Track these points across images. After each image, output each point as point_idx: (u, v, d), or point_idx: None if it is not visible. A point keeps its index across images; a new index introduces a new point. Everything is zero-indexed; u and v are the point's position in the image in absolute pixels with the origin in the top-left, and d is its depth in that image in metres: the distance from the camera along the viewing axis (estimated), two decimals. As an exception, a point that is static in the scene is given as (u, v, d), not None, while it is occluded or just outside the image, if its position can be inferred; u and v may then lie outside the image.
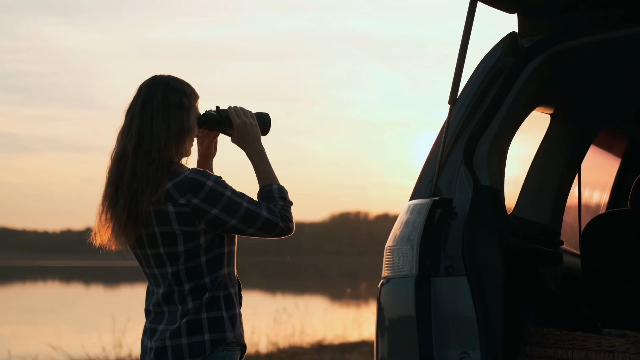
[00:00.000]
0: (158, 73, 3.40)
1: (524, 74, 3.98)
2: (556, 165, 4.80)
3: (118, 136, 3.37)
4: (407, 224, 3.73)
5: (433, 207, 3.71)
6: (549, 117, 4.79)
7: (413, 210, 3.75)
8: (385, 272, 3.79)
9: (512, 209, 4.75)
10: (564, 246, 4.91)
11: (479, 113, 3.92)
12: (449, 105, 3.88)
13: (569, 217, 5.04)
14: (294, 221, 3.38)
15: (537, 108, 4.52)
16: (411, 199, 3.87)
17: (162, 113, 3.32)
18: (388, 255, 3.78)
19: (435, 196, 3.78)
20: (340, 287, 35.31)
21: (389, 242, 3.79)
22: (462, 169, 3.79)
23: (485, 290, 3.58)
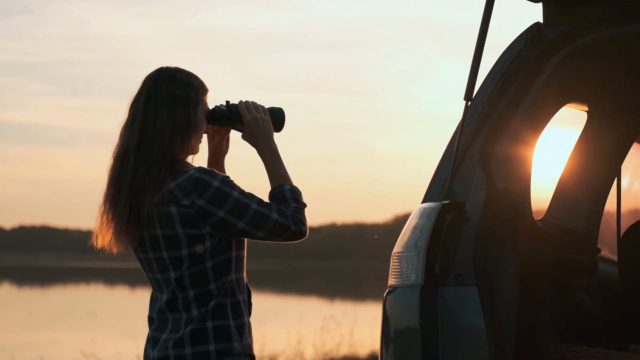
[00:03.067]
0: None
1: (548, 67, 3.94)
2: (593, 166, 4.74)
3: (121, 132, 3.40)
4: (415, 229, 3.71)
5: (443, 211, 3.68)
6: (585, 114, 4.73)
7: (422, 215, 3.73)
8: (391, 281, 3.78)
9: (544, 213, 4.70)
10: (604, 253, 4.85)
11: (498, 110, 3.88)
12: (464, 102, 3.84)
13: (610, 223, 4.97)
14: (307, 224, 3.37)
15: (569, 104, 4.47)
16: (423, 201, 3.86)
17: (167, 108, 3.33)
18: (395, 262, 3.76)
19: (447, 199, 3.76)
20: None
21: (396, 248, 3.78)
22: (477, 171, 3.76)
23: (497, 302, 3.56)
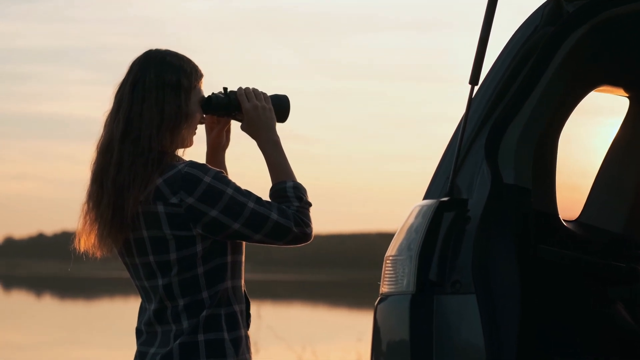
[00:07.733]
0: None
1: (566, 45, 3.89)
2: (636, 160, 4.68)
3: (105, 122, 3.41)
4: (409, 229, 3.71)
5: (440, 209, 3.67)
6: (627, 100, 4.68)
7: (418, 214, 3.73)
8: (383, 288, 3.78)
9: (579, 214, 4.67)
10: None
11: (509, 95, 3.85)
12: (469, 86, 3.82)
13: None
14: (312, 226, 3.36)
15: (601, 88, 4.41)
16: (424, 199, 3.85)
17: (155, 94, 3.34)
18: (388, 267, 3.76)
19: (449, 197, 3.74)
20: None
21: (389, 251, 3.78)
22: (484, 165, 3.74)
23: (497, 313, 3.54)
